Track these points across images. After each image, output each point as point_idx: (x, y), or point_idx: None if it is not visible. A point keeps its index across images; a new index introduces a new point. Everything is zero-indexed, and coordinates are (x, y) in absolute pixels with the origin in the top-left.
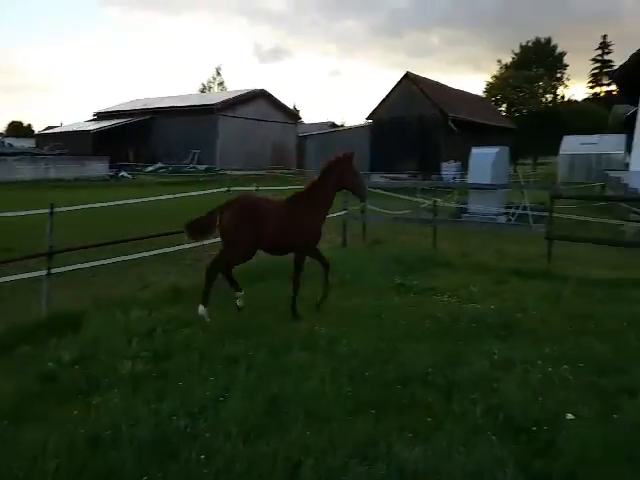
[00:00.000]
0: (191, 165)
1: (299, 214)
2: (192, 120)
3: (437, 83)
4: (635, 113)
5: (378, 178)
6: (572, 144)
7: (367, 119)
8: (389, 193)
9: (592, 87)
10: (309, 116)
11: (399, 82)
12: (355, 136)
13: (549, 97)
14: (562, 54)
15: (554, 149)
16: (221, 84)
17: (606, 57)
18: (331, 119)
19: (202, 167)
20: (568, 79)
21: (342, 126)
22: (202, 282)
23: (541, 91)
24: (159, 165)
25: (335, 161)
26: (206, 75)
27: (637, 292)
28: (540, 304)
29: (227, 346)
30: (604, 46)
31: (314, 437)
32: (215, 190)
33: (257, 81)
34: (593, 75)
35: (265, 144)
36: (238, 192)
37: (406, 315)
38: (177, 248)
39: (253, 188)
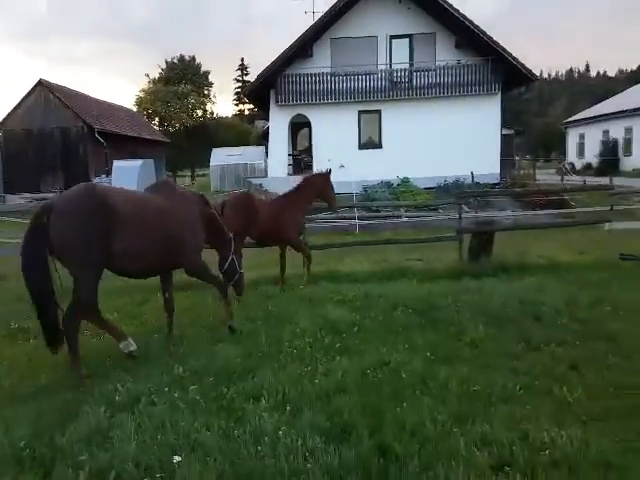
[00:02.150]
0: None
1: (282, 213)
2: None
3: (80, 93)
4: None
5: (18, 199)
6: (220, 156)
7: None
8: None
9: (237, 104)
10: None
11: (31, 90)
12: None
13: (199, 112)
14: (207, 72)
15: (207, 161)
16: None
17: (246, 78)
18: None
19: None
20: (215, 96)
21: None
22: None
23: (191, 107)
24: None
25: (316, 175)
26: None
27: (270, 288)
28: (182, 319)
29: None
30: (243, 68)
31: None
32: None
33: None
34: (236, 94)
35: None
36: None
37: (18, 369)
38: None
39: None
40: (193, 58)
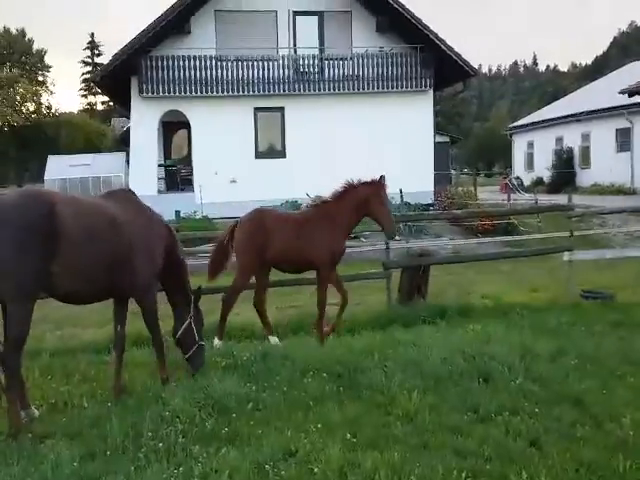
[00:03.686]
0: None
1: (309, 227)
2: None
3: None
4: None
5: None
6: (60, 166)
7: None
8: None
9: (85, 96)
10: None
11: None
12: None
13: (31, 106)
14: (42, 51)
15: (41, 172)
16: None
17: (97, 60)
18: None
19: None
20: (54, 84)
21: None
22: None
23: (20, 98)
24: None
25: (364, 183)
26: None
27: (135, 351)
28: None
29: None
30: (93, 46)
31: None
32: None
33: None
34: (85, 81)
35: None
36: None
37: None
38: None
39: None
40: (22, 32)
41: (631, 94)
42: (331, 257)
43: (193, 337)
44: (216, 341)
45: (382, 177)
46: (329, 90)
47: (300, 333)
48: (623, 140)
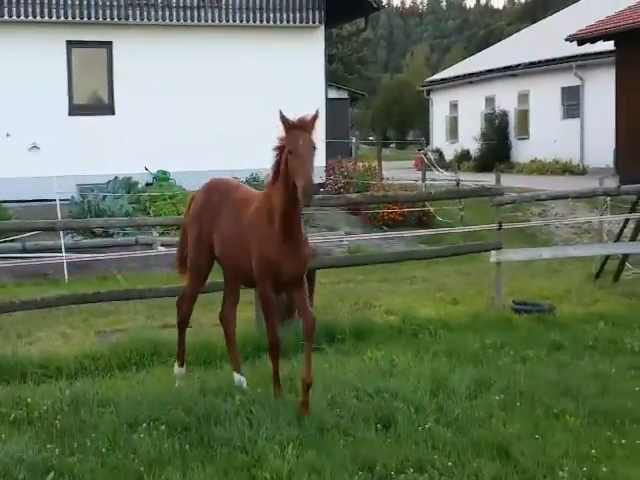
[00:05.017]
0: None
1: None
2: None
3: None
4: None
5: None
6: None
7: None
8: None
9: None
10: None
11: None
12: None
13: None
14: None
15: None
16: None
17: None
18: None
19: None
20: None
21: None
22: None
23: None
24: None
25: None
26: None
27: None
28: None
29: None
30: None
31: None
32: None
33: None
34: None
35: None
36: None
37: None
38: None
39: None
40: None
41: (582, 41)
42: (266, 267)
43: None
44: (176, 368)
45: (316, 113)
46: (179, 20)
47: (127, 369)
48: (570, 103)
